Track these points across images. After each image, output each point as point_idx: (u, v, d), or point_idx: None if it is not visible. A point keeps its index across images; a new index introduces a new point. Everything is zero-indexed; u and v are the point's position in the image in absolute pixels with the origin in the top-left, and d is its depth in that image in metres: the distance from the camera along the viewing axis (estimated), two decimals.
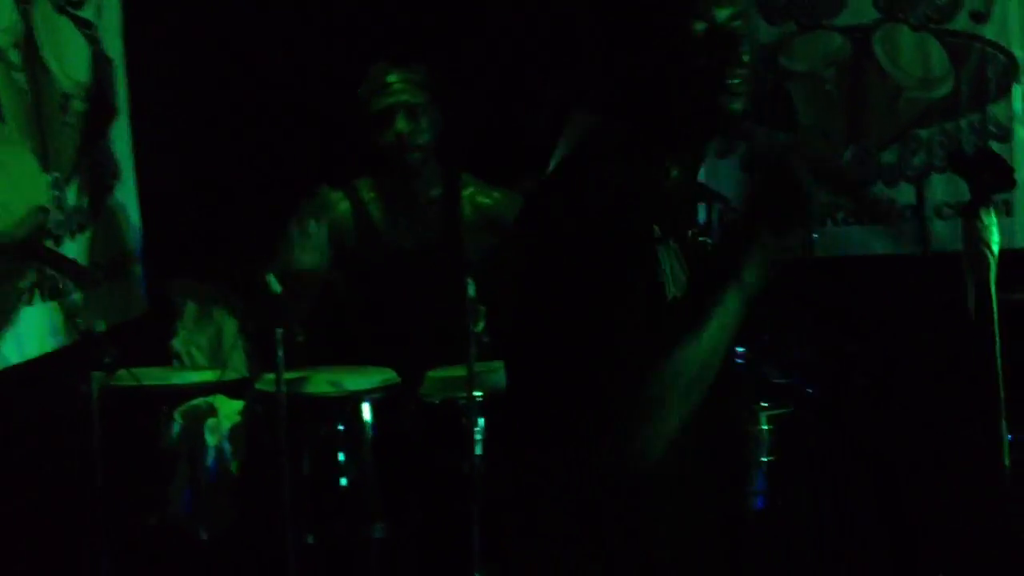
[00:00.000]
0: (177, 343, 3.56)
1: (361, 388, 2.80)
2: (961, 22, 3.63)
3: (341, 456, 2.75)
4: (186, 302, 3.61)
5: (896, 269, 3.63)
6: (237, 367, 3.25)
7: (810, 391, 3.08)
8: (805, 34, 3.77)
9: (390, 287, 3.13)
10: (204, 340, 3.60)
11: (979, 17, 3.63)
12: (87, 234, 3.27)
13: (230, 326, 3.62)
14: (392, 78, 3.07)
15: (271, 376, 2.71)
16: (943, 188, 3.62)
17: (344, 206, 3.16)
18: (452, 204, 3.17)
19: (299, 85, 3.70)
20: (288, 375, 2.70)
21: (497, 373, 2.73)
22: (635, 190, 1.36)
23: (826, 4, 3.74)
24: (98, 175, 3.38)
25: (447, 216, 3.16)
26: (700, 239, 1.46)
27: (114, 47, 3.49)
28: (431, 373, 2.84)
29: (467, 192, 3.18)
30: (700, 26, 1.37)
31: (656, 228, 1.35)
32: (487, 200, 3.18)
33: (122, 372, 2.84)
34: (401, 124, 3.04)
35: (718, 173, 3.65)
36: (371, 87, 3.09)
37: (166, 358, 3.47)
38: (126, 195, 3.53)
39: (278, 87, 3.70)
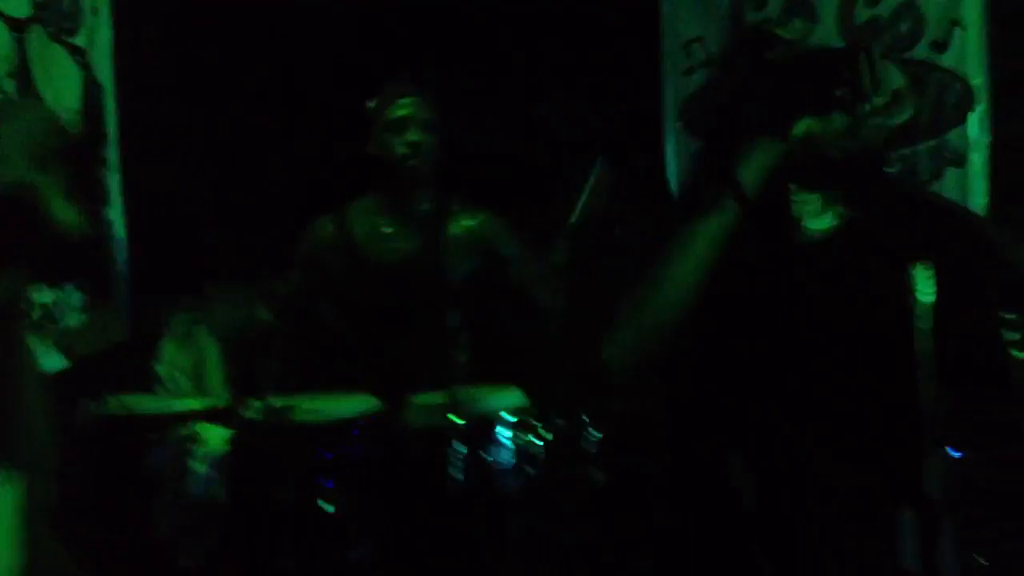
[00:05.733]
0: (160, 367, 3.63)
1: (345, 415, 2.88)
2: (921, 51, 3.76)
3: (326, 482, 2.84)
4: (169, 327, 3.67)
5: None
6: (219, 392, 3.33)
7: None
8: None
9: (373, 307, 3.20)
10: (187, 364, 3.67)
11: (939, 47, 3.75)
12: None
13: (212, 351, 3.69)
14: (407, 93, 3.22)
15: (257, 403, 2.79)
16: None
17: (328, 229, 3.25)
18: (439, 221, 3.25)
19: (288, 108, 3.77)
20: (275, 402, 2.78)
21: (480, 400, 2.84)
22: None
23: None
24: (90, 200, 3.44)
25: (433, 232, 3.23)
26: None
27: (105, 73, 3.55)
28: (415, 399, 2.92)
29: (455, 211, 3.26)
30: None
31: None
32: (473, 221, 3.27)
33: (112, 400, 2.91)
34: (414, 134, 3.17)
35: None
36: (386, 101, 3.21)
37: (149, 382, 3.53)
38: (114, 220, 3.59)
39: (266, 110, 3.77)
